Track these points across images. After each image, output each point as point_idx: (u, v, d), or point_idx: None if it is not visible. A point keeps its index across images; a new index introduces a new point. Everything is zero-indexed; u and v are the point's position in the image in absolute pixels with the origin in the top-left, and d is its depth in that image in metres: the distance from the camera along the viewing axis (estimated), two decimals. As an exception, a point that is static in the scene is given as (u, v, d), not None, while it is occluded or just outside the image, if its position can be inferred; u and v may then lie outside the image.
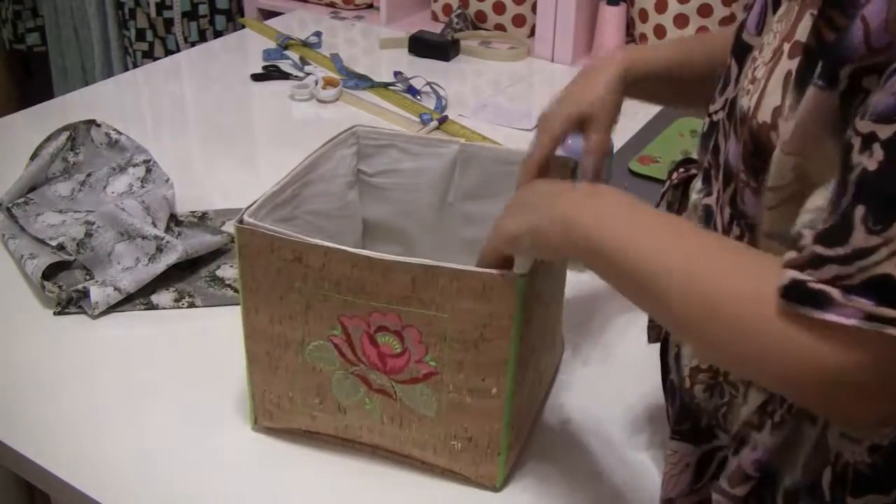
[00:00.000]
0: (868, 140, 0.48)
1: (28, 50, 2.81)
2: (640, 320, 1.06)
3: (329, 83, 1.72)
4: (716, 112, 0.69)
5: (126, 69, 2.48)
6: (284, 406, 0.86)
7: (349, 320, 0.79)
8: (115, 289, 1.06)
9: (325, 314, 0.79)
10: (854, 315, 0.48)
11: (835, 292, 0.48)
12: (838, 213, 0.49)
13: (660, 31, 1.86)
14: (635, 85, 0.84)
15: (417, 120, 1.61)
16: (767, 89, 0.57)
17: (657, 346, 0.84)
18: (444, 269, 0.74)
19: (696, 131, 1.52)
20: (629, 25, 1.95)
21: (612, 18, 1.91)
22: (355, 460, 0.87)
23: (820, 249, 0.49)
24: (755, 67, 0.61)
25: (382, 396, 0.82)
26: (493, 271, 0.74)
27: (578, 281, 1.15)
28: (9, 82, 2.95)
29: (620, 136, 1.45)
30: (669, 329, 0.69)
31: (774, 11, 0.63)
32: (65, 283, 1.08)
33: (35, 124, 1.58)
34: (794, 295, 0.50)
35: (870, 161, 0.47)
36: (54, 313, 1.07)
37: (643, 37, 1.90)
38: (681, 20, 1.83)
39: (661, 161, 1.40)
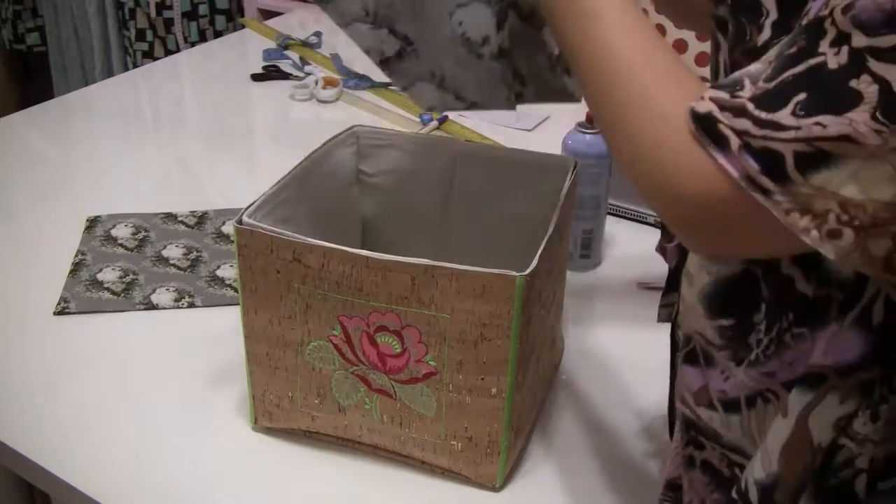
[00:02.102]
0: (841, 38, 0.50)
1: (28, 50, 2.82)
2: (639, 320, 1.06)
3: (329, 83, 1.72)
4: None
5: (126, 69, 2.48)
6: (284, 406, 0.86)
7: (349, 320, 0.79)
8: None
9: (324, 314, 0.79)
10: (738, 169, 0.52)
11: (735, 142, 0.52)
12: (780, 81, 0.52)
13: (660, 32, 1.86)
14: None
15: (417, 120, 1.61)
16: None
17: (657, 346, 0.84)
18: (444, 269, 0.74)
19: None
20: (629, 25, 1.95)
21: (612, 18, 1.91)
22: (355, 460, 0.87)
23: (750, 106, 0.52)
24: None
25: (382, 396, 0.82)
26: (494, 271, 0.74)
27: (578, 281, 1.15)
28: (9, 82, 2.95)
29: (620, 136, 1.45)
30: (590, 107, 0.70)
31: None
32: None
33: (35, 124, 1.58)
34: (703, 124, 0.54)
35: (833, 59, 0.50)
36: (54, 313, 1.07)
37: (643, 37, 1.90)
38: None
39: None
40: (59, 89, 2.70)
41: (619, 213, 1.30)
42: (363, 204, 1.01)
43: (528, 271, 0.74)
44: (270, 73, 1.80)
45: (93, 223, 1.26)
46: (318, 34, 1.99)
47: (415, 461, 0.85)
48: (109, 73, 2.55)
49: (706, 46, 1.81)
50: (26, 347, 1.01)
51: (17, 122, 1.59)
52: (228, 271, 1.15)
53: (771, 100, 0.52)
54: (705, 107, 0.54)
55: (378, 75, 1.78)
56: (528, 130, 1.56)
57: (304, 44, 1.94)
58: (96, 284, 1.12)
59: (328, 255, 0.76)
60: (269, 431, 0.89)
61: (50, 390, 0.95)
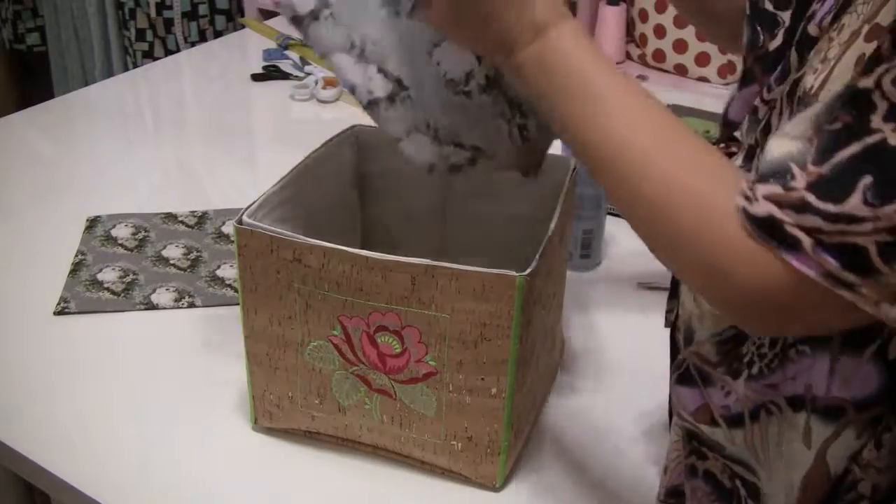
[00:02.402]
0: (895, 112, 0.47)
1: (28, 50, 2.81)
2: (639, 320, 1.06)
3: (329, 83, 1.72)
4: (774, 100, 0.66)
5: (126, 69, 2.48)
6: (284, 406, 0.86)
7: (349, 320, 0.79)
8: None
9: (324, 314, 0.79)
10: (816, 269, 0.49)
11: (807, 242, 0.50)
12: (835, 165, 0.49)
13: (660, 31, 1.86)
14: None
15: (417, 120, 1.61)
16: (835, 71, 0.55)
17: (657, 346, 0.84)
18: (444, 268, 0.74)
19: (696, 131, 1.51)
20: (629, 25, 1.95)
21: (612, 18, 1.91)
22: (355, 460, 0.87)
23: (811, 198, 0.49)
24: (830, 48, 0.58)
25: (382, 396, 0.82)
26: (494, 271, 0.74)
27: (578, 281, 1.15)
28: (9, 82, 2.95)
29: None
30: (614, 202, 0.66)
31: (847, 5, 0.60)
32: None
33: (35, 124, 1.58)
34: (767, 228, 0.51)
35: (893, 136, 0.47)
36: (54, 313, 1.07)
37: (643, 37, 1.90)
38: (681, 20, 1.82)
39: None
40: (59, 89, 2.70)
41: (619, 213, 1.30)
42: (363, 204, 1.01)
43: (528, 271, 0.74)
44: (270, 73, 1.80)
45: (93, 223, 1.26)
46: (318, 34, 1.99)
47: (415, 461, 0.85)
48: (109, 73, 2.54)
49: (707, 46, 1.81)
50: (26, 347, 1.01)
51: (17, 122, 1.59)
52: (228, 271, 1.15)
53: (832, 188, 0.49)
54: (763, 209, 0.51)
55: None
56: (528, 130, 1.56)
57: (304, 44, 1.94)
58: (96, 284, 1.12)
59: (328, 254, 0.76)
60: (269, 431, 0.89)
61: (50, 390, 0.95)
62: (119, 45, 2.54)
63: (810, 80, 0.58)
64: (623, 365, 1.01)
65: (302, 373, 0.84)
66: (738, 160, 0.70)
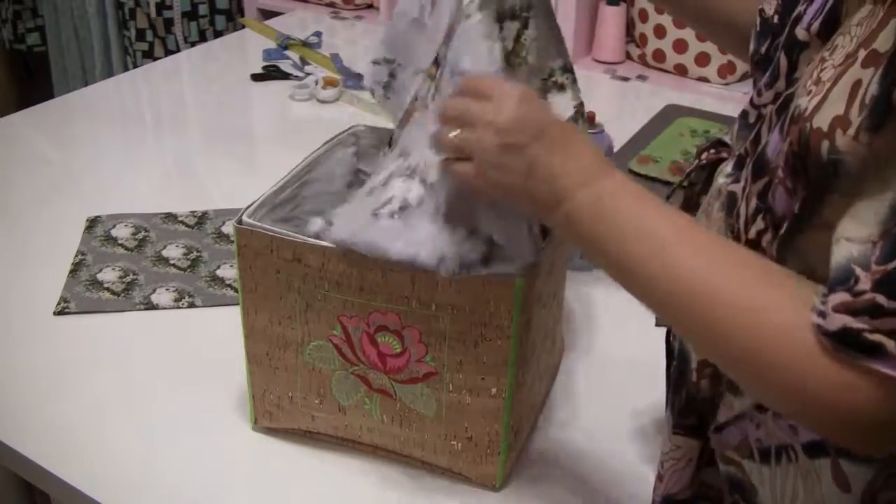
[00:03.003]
0: None
1: (28, 50, 2.81)
2: (639, 320, 1.06)
3: (329, 83, 1.72)
4: (763, 105, 0.67)
5: (126, 69, 2.48)
6: (284, 406, 0.86)
7: (349, 320, 0.79)
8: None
9: (324, 314, 0.79)
10: None
11: (890, 345, 0.49)
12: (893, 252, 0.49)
13: (660, 31, 1.86)
14: None
15: (417, 120, 1.61)
16: (831, 95, 0.55)
17: (657, 346, 0.84)
18: (444, 269, 0.74)
19: (696, 131, 1.52)
20: (629, 25, 1.95)
21: (612, 18, 1.91)
22: (355, 460, 0.87)
23: (881, 300, 0.49)
24: (822, 68, 0.58)
25: (382, 396, 0.82)
26: (494, 271, 0.74)
27: (578, 281, 1.15)
28: (9, 82, 2.95)
29: (620, 136, 1.45)
30: (683, 335, 0.66)
31: (841, 11, 0.60)
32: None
33: (35, 124, 1.58)
34: (846, 340, 0.50)
35: None
36: (54, 313, 1.07)
37: (643, 37, 1.90)
38: (681, 20, 1.82)
39: (661, 161, 1.40)
40: (59, 89, 2.70)
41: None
42: (363, 204, 1.01)
43: (528, 271, 0.74)
44: (270, 73, 1.80)
45: (93, 223, 1.26)
46: (318, 34, 1.99)
47: (415, 461, 0.85)
48: (109, 73, 2.54)
49: (707, 46, 1.81)
50: (26, 347, 1.01)
51: (17, 122, 1.59)
52: (228, 271, 1.15)
53: None
54: (836, 322, 0.50)
55: (378, 75, 1.78)
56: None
57: (304, 44, 1.94)
58: (96, 284, 1.12)
59: (328, 254, 0.76)
60: (269, 431, 0.89)
61: (50, 390, 0.95)
62: (119, 45, 2.54)
63: (804, 102, 0.57)
64: (623, 365, 1.01)
65: (302, 373, 0.84)
66: (728, 167, 0.70)
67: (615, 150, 1.27)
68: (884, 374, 0.49)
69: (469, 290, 0.74)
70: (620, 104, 1.78)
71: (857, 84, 0.53)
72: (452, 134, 0.66)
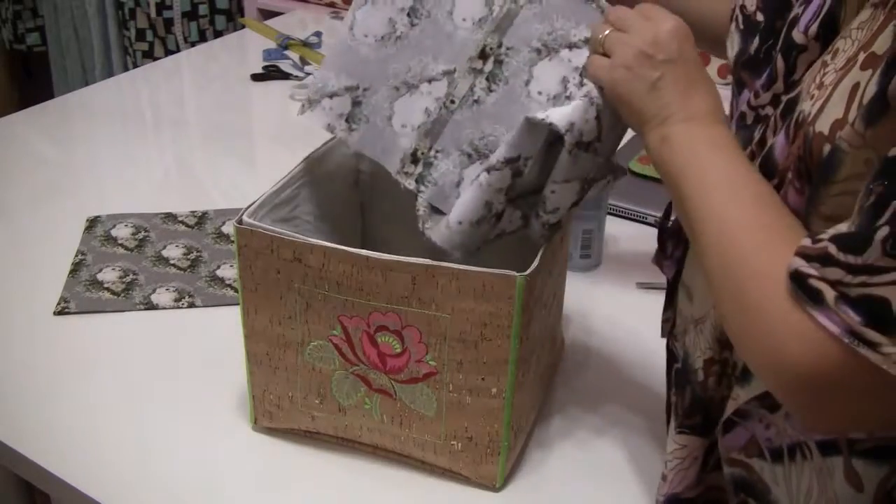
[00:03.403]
0: None
1: (28, 50, 2.82)
2: (639, 320, 1.06)
3: (329, 83, 1.72)
4: (762, 106, 0.68)
5: (126, 69, 2.48)
6: (284, 406, 0.86)
7: (349, 320, 0.79)
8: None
9: (324, 314, 0.79)
10: (839, 324, 0.49)
11: (830, 295, 0.49)
12: (862, 223, 0.49)
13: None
14: None
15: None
16: (832, 99, 0.55)
17: (657, 346, 0.84)
18: (444, 268, 0.74)
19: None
20: (629, 25, 1.94)
21: (612, 18, 1.90)
22: (355, 460, 0.87)
23: (833, 250, 0.50)
24: (825, 73, 0.58)
25: (382, 396, 0.82)
26: (494, 271, 0.74)
27: (578, 281, 1.15)
28: (9, 82, 2.95)
29: (620, 136, 1.45)
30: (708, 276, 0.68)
31: (839, 14, 0.61)
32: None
33: (35, 124, 1.58)
34: (796, 283, 0.51)
35: None
36: (54, 313, 1.07)
37: (643, 37, 1.90)
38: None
39: (661, 161, 1.40)
40: (59, 89, 2.70)
41: (619, 213, 1.30)
42: (363, 204, 1.01)
43: (528, 271, 0.74)
44: (270, 73, 1.80)
45: (93, 223, 1.26)
46: (318, 34, 1.99)
47: (415, 461, 0.85)
48: (109, 73, 2.54)
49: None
50: (26, 347, 1.01)
51: (17, 122, 1.59)
52: (228, 271, 1.15)
53: (853, 240, 0.49)
54: (794, 263, 0.51)
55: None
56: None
57: (304, 44, 1.94)
58: (96, 284, 1.12)
59: (328, 254, 0.76)
60: (269, 431, 0.89)
61: (50, 390, 0.94)
62: (119, 45, 2.54)
63: (807, 107, 0.58)
64: (623, 365, 1.01)
65: (302, 373, 0.84)
66: None
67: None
68: (821, 325, 0.49)
69: (469, 290, 0.74)
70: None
71: (856, 87, 0.53)
72: (605, 32, 0.71)
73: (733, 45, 0.75)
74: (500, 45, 0.81)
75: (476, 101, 0.82)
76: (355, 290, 0.77)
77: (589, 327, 1.07)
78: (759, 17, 0.71)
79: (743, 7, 0.73)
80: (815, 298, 0.50)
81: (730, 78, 0.76)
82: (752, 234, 0.57)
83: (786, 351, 0.52)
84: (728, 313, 0.58)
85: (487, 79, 0.82)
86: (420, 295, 0.75)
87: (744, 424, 0.66)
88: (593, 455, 0.88)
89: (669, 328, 0.81)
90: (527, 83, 0.81)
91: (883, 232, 0.47)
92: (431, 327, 0.77)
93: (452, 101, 0.83)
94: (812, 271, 0.50)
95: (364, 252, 0.75)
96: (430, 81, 0.83)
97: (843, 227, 0.51)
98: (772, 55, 0.67)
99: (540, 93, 0.80)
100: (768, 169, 0.63)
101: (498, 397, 0.79)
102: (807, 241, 0.52)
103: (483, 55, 0.82)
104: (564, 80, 0.79)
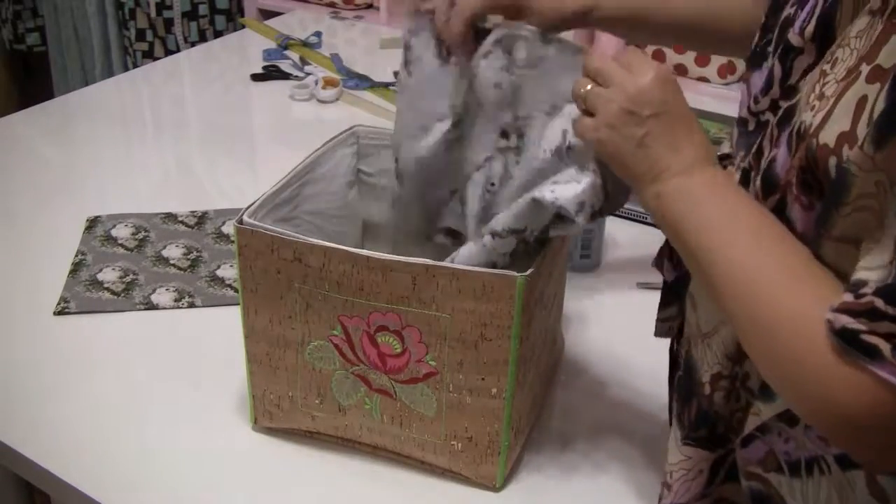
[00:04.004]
0: None
1: (28, 50, 2.82)
2: (639, 320, 1.06)
3: (329, 83, 1.72)
4: (762, 112, 0.67)
5: (126, 69, 2.48)
6: (284, 406, 0.86)
7: (349, 320, 0.79)
8: None
9: (324, 314, 0.79)
10: None
11: (886, 349, 0.50)
12: None
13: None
14: (602, 23, 0.85)
15: (417, 120, 1.60)
16: (836, 111, 0.55)
17: (657, 346, 0.84)
18: (444, 268, 0.74)
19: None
20: (629, 25, 1.94)
21: (612, 18, 1.90)
22: (355, 460, 0.87)
23: (880, 304, 0.50)
24: (825, 83, 0.58)
25: (382, 396, 0.82)
26: (494, 271, 0.74)
27: (578, 281, 1.15)
28: (9, 82, 2.95)
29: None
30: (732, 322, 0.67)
31: (834, 16, 0.60)
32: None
33: (35, 124, 1.58)
34: (845, 339, 0.51)
35: None
36: (54, 313, 1.07)
37: (643, 37, 1.90)
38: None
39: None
40: (59, 89, 2.70)
41: (619, 214, 1.30)
42: (363, 204, 1.01)
43: (528, 272, 0.74)
44: (270, 73, 1.80)
45: (93, 223, 1.26)
46: (318, 34, 1.99)
47: (415, 461, 0.85)
48: (109, 73, 2.54)
49: (706, 47, 1.81)
50: (26, 348, 1.01)
51: (17, 122, 1.59)
52: (228, 271, 1.15)
53: None
54: (840, 320, 0.51)
55: (378, 75, 1.78)
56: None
57: (304, 44, 1.94)
58: (96, 284, 1.12)
59: (328, 254, 0.76)
60: (269, 431, 0.89)
61: (50, 390, 0.94)
62: (119, 45, 2.54)
63: (808, 118, 0.57)
64: (623, 365, 1.01)
65: (302, 373, 0.84)
66: (735, 181, 0.69)
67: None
68: (879, 377, 0.50)
69: (469, 290, 0.74)
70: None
71: (864, 100, 0.53)
72: (586, 88, 0.69)
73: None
74: (515, 119, 0.82)
75: (511, 177, 0.84)
76: (355, 290, 0.77)
77: (589, 327, 1.07)
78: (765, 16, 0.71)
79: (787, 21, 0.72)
80: (871, 353, 0.50)
81: (729, 77, 0.77)
82: (777, 282, 0.57)
83: (839, 402, 0.52)
84: (762, 361, 0.58)
85: (514, 153, 0.83)
86: (420, 295, 0.75)
87: (763, 438, 0.65)
88: (593, 455, 0.88)
89: (674, 334, 0.80)
90: (540, 144, 0.81)
91: None
92: (431, 327, 0.77)
93: (493, 185, 0.85)
94: (862, 327, 0.51)
95: (364, 252, 0.75)
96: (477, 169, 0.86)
97: (881, 276, 0.51)
98: (766, 53, 0.67)
99: (545, 150, 0.80)
100: (769, 183, 0.62)
101: (498, 397, 0.79)
102: (849, 297, 0.52)
103: (505, 134, 0.83)
104: (564, 132, 0.78)
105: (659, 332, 0.83)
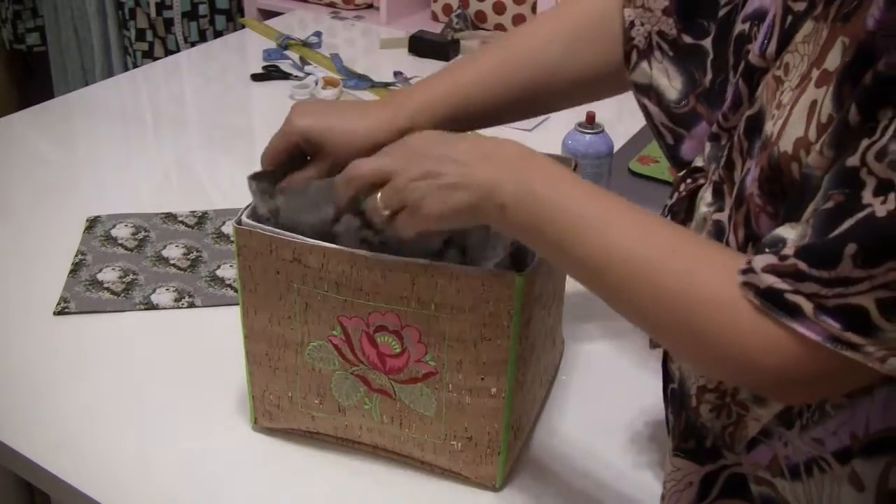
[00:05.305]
0: (884, 186, 0.49)
1: (28, 50, 2.82)
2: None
3: (329, 83, 1.72)
4: (733, 128, 0.67)
5: (126, 69, 2.49)
6: (284, 406, 0.86)
7: (348, 320, 0.79)
8: None
9: (324, 314, 0.79)
10: (820, 333, 0.51)
11: (808, 308, 0.52)
12: (827, 236, 0.51)
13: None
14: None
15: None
16: (792, 118, 0.56)
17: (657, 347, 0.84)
18: (444, 268, 0.74)
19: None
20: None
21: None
22: (355, 460, 0.87)
23: (803, 266, 0.52)
24: (782, 91, 0.59)
25: (382, 396, 0.82)
26: (493, 271, 0.74)
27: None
28: (9, 82, 2.95)
29: (620, 136, 1.45)
30: (624, 316, 0.68)
31: (786, 29, 0.61)
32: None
33: (35, 124, 1.58)
34: (770, 299, 0.53)
35: (880, 207, 0.49)
36: (54, 313, 1.07)
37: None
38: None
39: (661, 161, 1.40)
40: (59, 89, 2.70)
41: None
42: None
43: (528, 271, 0.74)
44: (270, 73, 1.80)
45: (93, 223, 1.26)
46: (318, 34, 1.99)
47: (415, 461, 0.85)
48: (109, 73, 2.55)
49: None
50: (26, 347, 1.01)
51: (17, 122, 1.59)
52: (228, 271, 1.15)
53: (826, 257, 0.51)
54: (765, 280, 0.53)
55: (378, 75, 1.78)
56: (529, 130, 1.56)
57: (304, 44, 1.94)
58: (96, 284, 1.12)
59: (328, 254, 0.76)
60: (269, 431, 0.89)
61: (50, 390, 0.95)
62: (119, 45, 2.54)
63: (769, 127, 0.58)
64: (623, 365, 1.01)
65: (302, 373, 0.84)
66: (708, 194, 0.70)
67: (615, 150, 1.27)
68: (798, 334, 0.52)
69: (469, 290, 0.74)
70: (620, 104, 1.78)
71: (814, 104, 0.55)
72: (377, 197, 0.69)
73: (670, 76, 0.75)
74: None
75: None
76: (354, 291, 0.77)
77: (589, 327, 1.07)
78: (688, 38, 0.72)
79: (662, 34, 0.72)
80: (793, 312, 0.52)
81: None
82: (668, 254, 0.58)
83: (760, 361, 0.54)
84: (677, 343, 0.60)
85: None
86: (419, 295, 0.75)
87: (767, 443, 0.66)
88: (593, 455, 0.88)
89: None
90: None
91: (851, 249, 0.49)
92: (431, 327, 0.77)
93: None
94: (787, 287, 0.52)
95: (363, 252, 0.75)
96: None
97: (800, 237, 0.53)
98: (724, 90, 0.68)
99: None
100: (739, 196, 0.63)
101: (497, 397, 0.79)
102: (772, 259, 0.53)
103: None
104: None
105: (653, 344, 0.83)
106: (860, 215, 0.49)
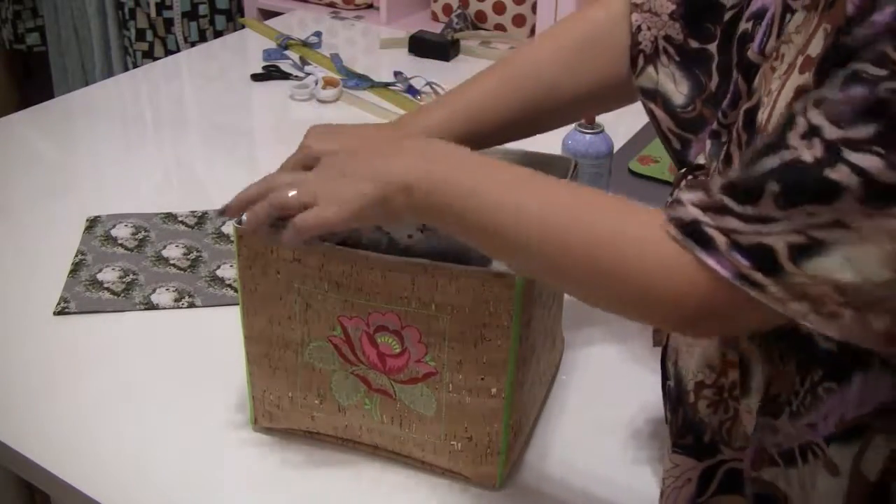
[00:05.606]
0: (813, 131, 0.50)
1: (28, 50, 2.82)
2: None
3: (329, 83, 1.72)
4: (732, 124, 0.67)
5: (126, 69, 2.48)
6: (284, 406, 0.86)
7: (348, 320, 0.79)
8: None
9: (324, 314, 0.79)
10: (729, 269, 0.53)
11: (722, 242, 0.53)
12: (753, 172, 0.52)
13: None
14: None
15: (417, 120, 1.60)
16: (778, 104, 0.57)
17: (656, 347, 0.84)
18: (444, 268, 0.74)
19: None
20: (629, 25, 1.94)
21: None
22: (355, 460, 0.87)
23: (729, 202, 0.53)
24: (773, 80, 0.60)
25: (382, 396, 0.82)
26: (494, 271, 0.74)
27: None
28: (9, 82, 2.95)
29: (620, 136, 1.45)
30: (538, 276, 0.69)
31: (785, 25, 0.61)
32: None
33: (35, 124, 1.58)
34: (690, 233, 0.54)
35: (807, 152, 0.50)
36: (54, 313, 1.07)
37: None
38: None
39: (661, 161, 1.40)
40: (59, 89, 2.70)
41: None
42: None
43: (527, 271, 0.74)
44: (270, 73, 1.80)
45: (93, 223, 1.26)
46: (318, 34, 1.99)
47: (415, 461, 0.85)
48: (109, 73, 2.54)
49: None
50: (26, 347, 1.01)
51: (17, 122, 1.59)
52: (228, 271, 1.15)
53: (746, 192, 0.52)
54: (691, 213, 0.54)
55: (378, 75, 1.78)
56: (528, 130, 1.56)
57: (304, 44, 1.94)
58: (96, 284, 1.12)
59: (328, 255, 0.76)
60: (269, 431, 0.89)
61: (50, 390, 0.95)
62: (119, 45, 2.54)
63: (760, 115, 0.59)
64: (623, 365, 1.01)
65: (302, 373, 0.84)
66: None
67: (615, 150, 1.27)
68: (707, 266, 0.53)
69: (469, 290, 0.74)
70: (620, 104, 1.78)
71: (799, 90, 0.55)
72: (291, 194, 0.71)
73: (676, 81, 0.76)
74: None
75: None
76: (355, 291, 0.77)
77: (589, 327, 1.07)
78: (694, 43, 0.72)
79: (668, 38, 0.73)
80: (707, 245, 0.53)
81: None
82: (577, 206, 0.61)
83: (670, 293, 0.56)
84: (608, 290, 0.61)
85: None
86: (419, 295, 0.75)
87: (751, 436, 0.65)
88: (593, 455, 0.88)
89: (664, 344, 0.81)
90: None
91: (773, 187, 0.50)
92: (431, 327, 0.77)
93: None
94: (708, 220, 0.54)
95: (363, 252, 0.75)
96: None
97: (730, 175, 0.54)
98: (729, 79, 0.68)
99: None
100: None
101: (497, 397, 0.79)
102: (700, 194, 0.55)
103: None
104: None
105: (656, 343, 0.83)
106: (787, 157, 0.50)
